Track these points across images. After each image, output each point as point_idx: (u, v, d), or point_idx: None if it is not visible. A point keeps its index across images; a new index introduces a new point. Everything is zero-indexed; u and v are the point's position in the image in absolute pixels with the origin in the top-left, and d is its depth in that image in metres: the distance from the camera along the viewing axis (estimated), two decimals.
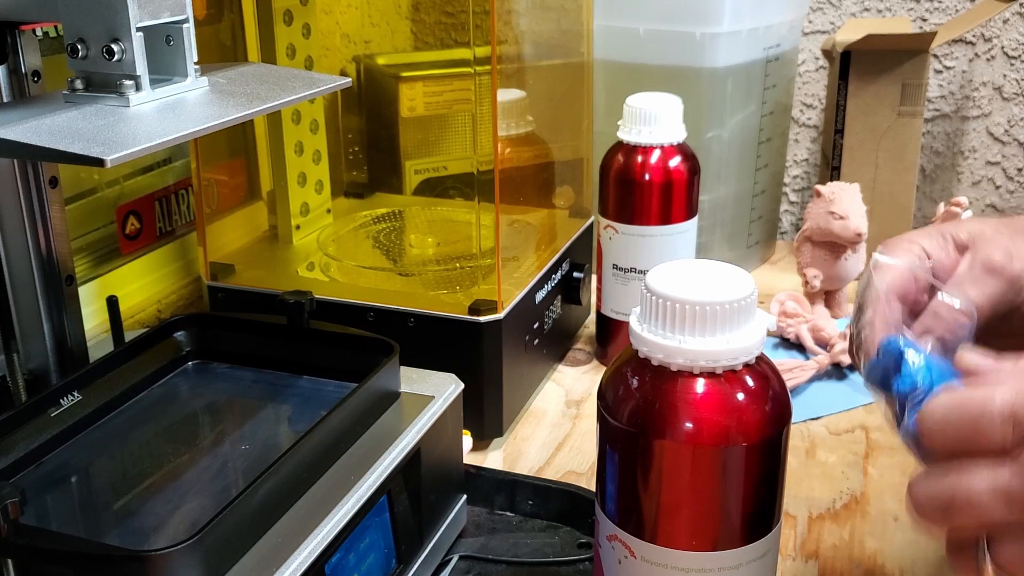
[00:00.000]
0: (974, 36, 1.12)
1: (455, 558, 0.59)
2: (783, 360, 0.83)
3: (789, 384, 0.78)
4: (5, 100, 0.53)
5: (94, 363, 0.56)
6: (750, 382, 0.43)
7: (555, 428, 0.76)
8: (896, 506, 0.66)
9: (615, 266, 0.81)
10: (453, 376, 0.59)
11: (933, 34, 0.98)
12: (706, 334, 0.42)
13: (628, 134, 0.78)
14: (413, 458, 0.53)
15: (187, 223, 0.86)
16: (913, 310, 0.47)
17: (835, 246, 0.86)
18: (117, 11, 0.44)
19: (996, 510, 0.36)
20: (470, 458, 0.67)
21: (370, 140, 0.97)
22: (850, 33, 1.01)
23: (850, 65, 0.99)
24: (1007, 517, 0.36)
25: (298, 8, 0.80)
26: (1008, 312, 0.47)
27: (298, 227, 0.84)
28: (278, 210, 0.84)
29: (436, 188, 0.97)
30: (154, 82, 0.47)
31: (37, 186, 0.55)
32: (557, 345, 0.85)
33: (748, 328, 0.42)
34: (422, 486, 0.55)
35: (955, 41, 1.12)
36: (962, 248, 0.49)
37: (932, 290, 0.48)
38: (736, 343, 0.42)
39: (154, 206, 0.82)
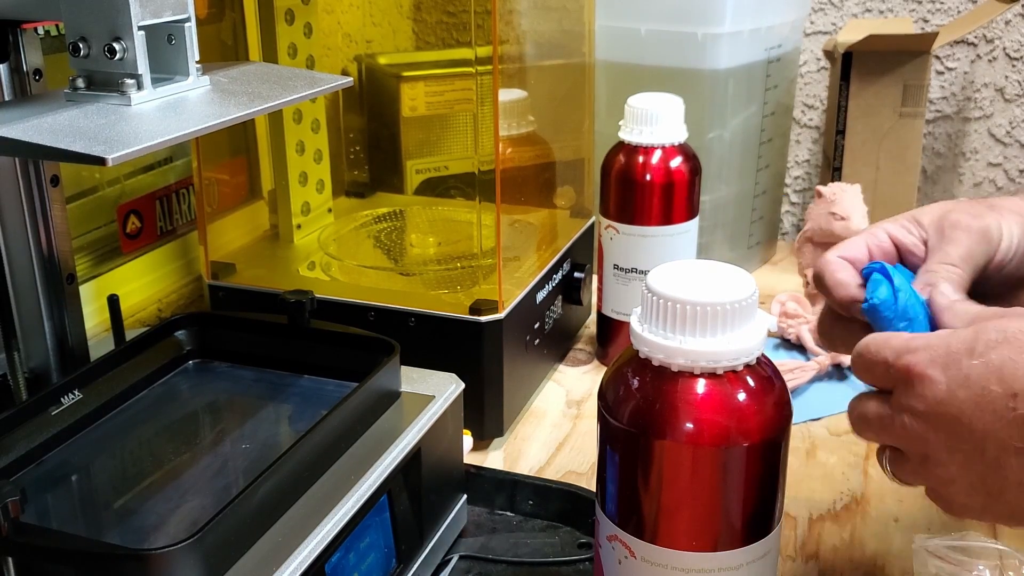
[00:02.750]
0: (976, 37, 1.12)
1: (455, 558, 0.59)
2: (784, 361, 0.83)
3: (790, 385, 0.78)
4: (7, 98, 0.53)
5: (95, 362, 0.56)
6: (751, 383, 0.43)
7: (555, 428, 0.76)
8: (897, 507, 0.66)
9: (616, 266, 0.81)
10: (454, 376, 0.59)
11: (935, 35, 0.98)
12: (707, 334, 0.42)
13: (629, 134, 0.78)
14: (413, 458, 0.53)
15: (188, 222, 0.86)
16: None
17: None
18: (119, 10, 0.44)
19: (871, 430, 0.47)
20: (470, 458, 0.67)
21: (371, 140, 0.97)
22: (852, 34, 1.01)
23: (852, 66, 0.99)
24: (867, 434, 0.47)
25: (299, 7, 0.80)
26: (987, 269, 0.52)
27: (299, 226, 0.84)
28: (279, 209, 0.84)
29: (437, 188, 0.97)
30: (156, 81, 0.47)
31: (38, 184, 0.55)
32: (558, 345, 0.85)
33: (749, 329, 0.42)
34: (422, 486, 0.55)
35: (957, 42, 1.12)
36: (925, 227, 0.53)
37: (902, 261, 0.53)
38: (737, 344, 0.42)
39: (155, 205, 0.82)
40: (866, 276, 0.50)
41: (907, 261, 0.53)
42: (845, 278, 0.51)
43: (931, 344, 0.44)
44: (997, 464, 0.42)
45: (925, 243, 0.53)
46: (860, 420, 0.47)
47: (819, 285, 0.53)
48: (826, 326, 0.54)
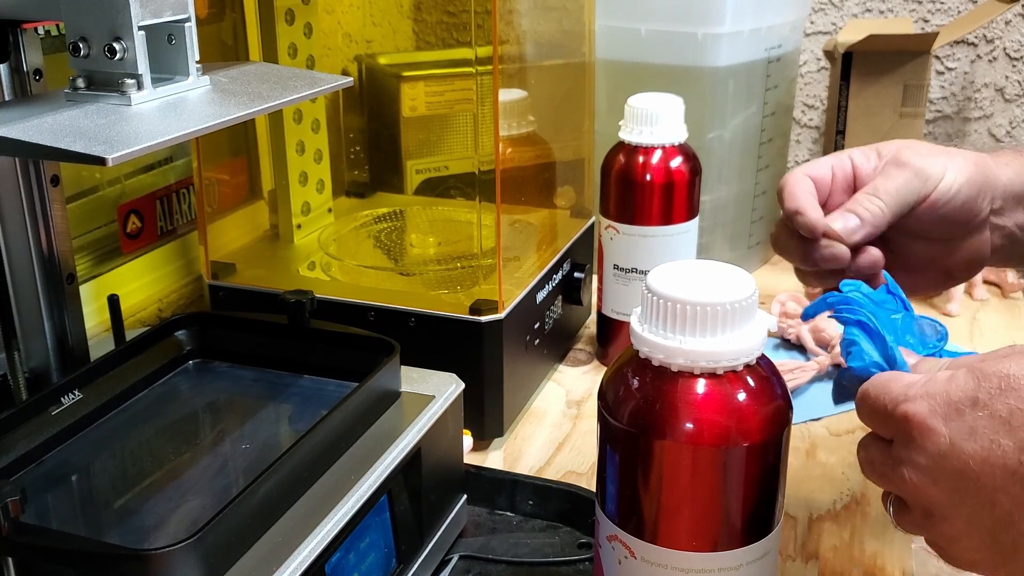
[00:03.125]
0: (976, 37, 1.12)
1: (455, 558, 0.59)
2: (784, 361, 0.83)
3: (790, 385, 0.78)
4: (7, 98, 0.53)
5: (95, 362, 0.56)
6: (751, 383, 0.43)
7: (555, 428, 0.76)
8: None
9: (616, 266, 0.81)
10: (454, 376, 0.59)
11: (935, 35, 0.98)
12: (707, 335, 0.42)
13: (630, 134, 0.78)
14: (413, 458, 0.53)
15: (188, 222, 0.86)
16: (829, 201, 0.58)
17: None
18: (119, 10, 0.44)
19: (875, 476, 0.45)
20: (470, 458, 0.67)
21: (371, 140, 0.97)
22: (852, 34, 1.01)
23: (852, 66, 0.99)
24: (873, 479, 0.46)
25: (300, 7, 0.80)
26: (919, 207, 0.55)
27: (299, 226, 0.84)
28: (279, 209, 0.84)
29: (437, 188, 0.97)
30: (156, 81, 0.47)
31: (39, 184, 0.55)
32: (558, 345, 0.85)
33: (749, 329, 0.42)
34: (422, 486, 0.55)
35: (957, 42, 1.12)
36: (881, 157, 0.57)
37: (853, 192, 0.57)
38: (737, 344, 0.42)
39: (155, 205, 0.82)
40: (839, 318, 0.51)
41: (860, 186, 0.57)
42: (799, 192, 0.56)
43: (930, 392, 0.42)
44: (1010, 520, 0.40)
45: (876, 171, 0.57)
46: (865, 463, 0.46)
47: (778, 196, 0.57)
48: (778, 236, 0.58)
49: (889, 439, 0.44)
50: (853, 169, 0.57)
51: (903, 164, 0.55)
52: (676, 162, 0.78)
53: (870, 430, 0.46)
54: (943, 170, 0.55)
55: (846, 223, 0.54)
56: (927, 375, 0.43)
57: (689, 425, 0.42)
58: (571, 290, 0.84)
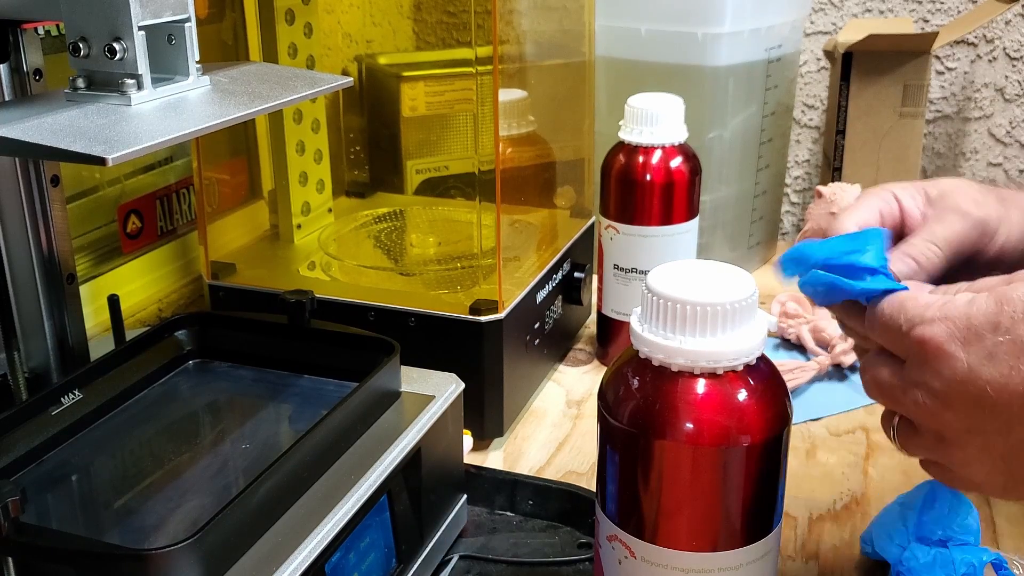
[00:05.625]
0: (976, 37, 1.12)
1: (455, 558, 0.59)
2: (784, 361, 0.83)
3: (790, 385, 0.78)
4: (7, 98, 0.53)
5: (95, 362, 0.56)
6: (751, 383, 0.43)
7: (556, 428, 0.76)
8: None
9: (616, 266, 0.81)
10: (454, 376, 0.59)
11: (935, 35, 0.98)
12: (707, 334, 0.42)
13: (630, 134, 0.78)
14: (413, 458, 0.53)
15: (188, 222, 0.86)
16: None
17: None
18: (119, 10, 0.44)
19: (882, 397, 0.45)
20: (470, 458, 0.67)
21: (371, 139, 0.97)
22: (852, 34, 1.01)
23: (852, 66, 0.99)
24: (880, 400, 0.45)
25: (300, 7, 0.80)
26: (973, 256, 0.51)
27: (299, 226, 0.84)
28: (279, 209, 0.84)
29: (437, 188, 0.97)
30: (156, 81, 0.47)
31: (39, 184, 0.55)
32: (558, 345, 0.85)
33: (749, 329, 0.42)
34: (422, 486, 0.55)
35: (957, 42, 1.12)
36: (932, 201, 0.52)
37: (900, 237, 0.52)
38: (737, 344, 0.42)
39: (155, 205, 0.82)
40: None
41: (907, 227, 0.53)
42: None
43: (949, 315, 0.41)
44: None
45: (924, 216, 0.52)
46: (872, 384, 0.45)
47: None
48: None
49: (901, 359, 0.43)
50: (902, 214, 0.53)
51: (962, 213, 0.51)
52: (676, 162, 0.78)
53: (877, 363, 0.45)
54: (998, 222, 0.51)
55: (906, 267, 0.50)
56: (944, 296, 0.42)
57: (689, 425, 0.42)
58: (571, 290, 0.84)
